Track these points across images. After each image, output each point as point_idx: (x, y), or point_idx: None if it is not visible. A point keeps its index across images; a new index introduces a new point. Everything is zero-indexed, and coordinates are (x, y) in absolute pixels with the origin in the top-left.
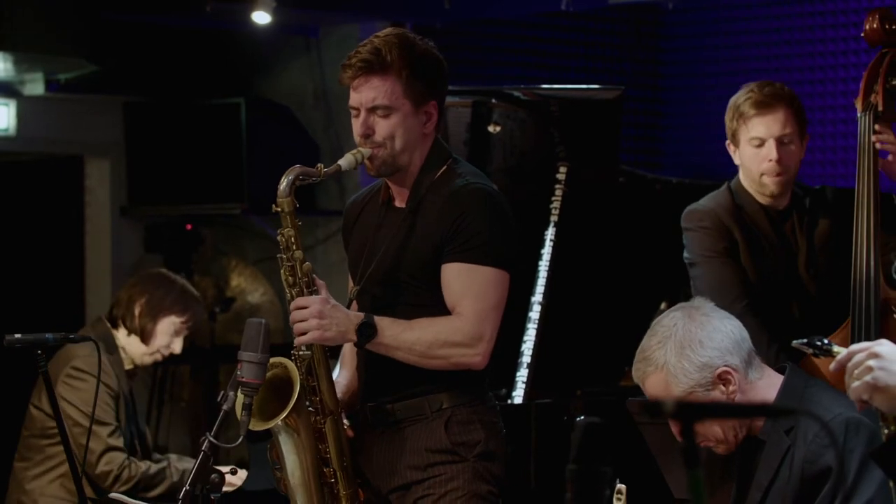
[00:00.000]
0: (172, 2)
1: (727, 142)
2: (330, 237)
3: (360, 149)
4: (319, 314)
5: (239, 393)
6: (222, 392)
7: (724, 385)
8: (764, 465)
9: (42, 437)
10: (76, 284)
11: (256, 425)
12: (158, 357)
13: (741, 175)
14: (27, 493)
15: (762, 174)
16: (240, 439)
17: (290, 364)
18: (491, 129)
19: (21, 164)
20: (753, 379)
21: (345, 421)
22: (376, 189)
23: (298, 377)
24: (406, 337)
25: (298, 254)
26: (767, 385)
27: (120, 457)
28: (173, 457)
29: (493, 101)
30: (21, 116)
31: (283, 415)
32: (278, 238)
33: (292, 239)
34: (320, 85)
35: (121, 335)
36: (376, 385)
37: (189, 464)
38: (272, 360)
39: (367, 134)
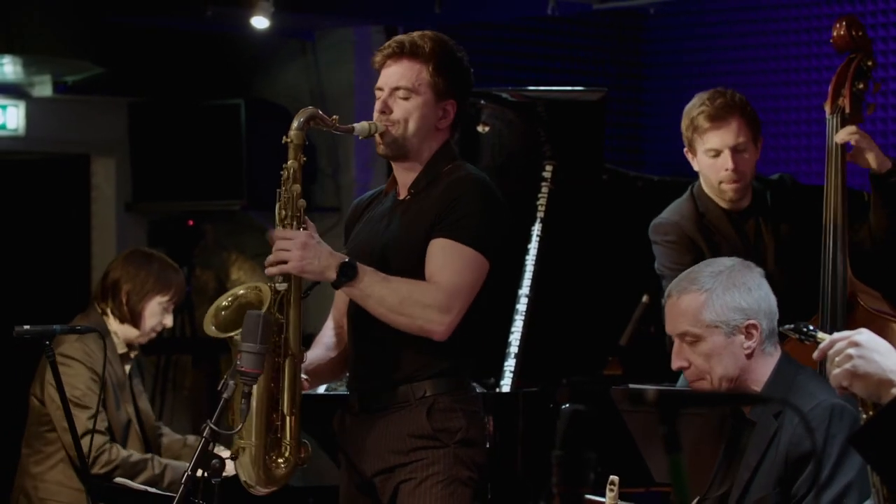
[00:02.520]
0: (175, 7)
1: (685, 149)
2: (326, 232)
3: (375, 122)
4: (303, 246)
5: (238, 381)
6: (223, 380)
7: (745, 337)
8: (753, 447)
9: (40, 424)
10: (83, 277)
11: (217, 333)
12: (153, 335)
13: (702, 180)
14: (31, 478)
15: (720, 182)
16: (239, 426)
17: (266, 289)
18: (480, 129)
19: (30, 163)
20: (767, 352)
21: (304, 376)
22: (381, 189)
23: (269, 300)
24: (381, 287)
25: (296, 187)
26: (770, 364)
27: (99, 440)
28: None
29: (482, 102)
30: (30, 117)
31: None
32: (282, 172)
33: (295, 171)
34: (316, 86)
35: (112, 321)
36: (363, 373)
37: (178, 462)
38: (248, 284)
39: (385, 111)
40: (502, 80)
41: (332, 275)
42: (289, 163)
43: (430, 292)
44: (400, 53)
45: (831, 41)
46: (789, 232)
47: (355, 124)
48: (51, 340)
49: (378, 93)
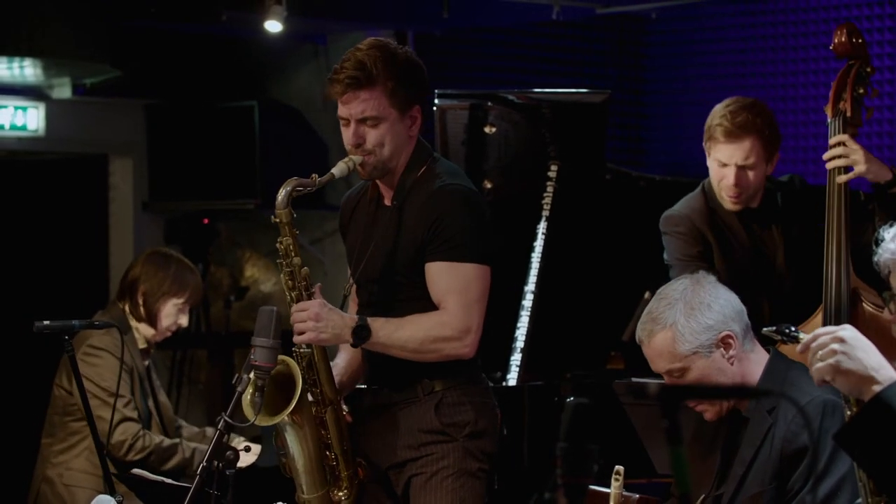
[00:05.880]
0: (190, 11)
1: (704, 142)
2: (337, 230)
3: (351, 157)
4: (316, 317)
5: (251, 375)
6: (237, 375)
7: (724, 349)
8: (747, 442)
9: (65, 414)
10: (101, 274)
11: (263, 421)
12: (168, 334)
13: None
14: (54, 466)
15: (721, 189)
16: (253, 419)
17: (292, 362)
18: (487, 130)
19: (50, 163)
20: (748, 350)
21: (344, 407)
22: (367, 185)
23: (300, 375)
24: (398, 336)
25: (297, 260)
26: (757, 361)
27: (134, 427)
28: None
29: (489, 103)
30: (50, 118)
31: (288, 411)
32: (277, 246)
33: (290, 247)
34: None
35: (131, 319)
36: (374, 370)
37: (204, 446)
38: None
39: (359, 143)
40: (508, 83)
41: (348, 338)
42: (283, 240)
43: (446, 323)
44: (356, 85)
45: (832, 48)
46: (798, 231)
47: (333, 169)
48: (70, 335)
49: (343, 122)
